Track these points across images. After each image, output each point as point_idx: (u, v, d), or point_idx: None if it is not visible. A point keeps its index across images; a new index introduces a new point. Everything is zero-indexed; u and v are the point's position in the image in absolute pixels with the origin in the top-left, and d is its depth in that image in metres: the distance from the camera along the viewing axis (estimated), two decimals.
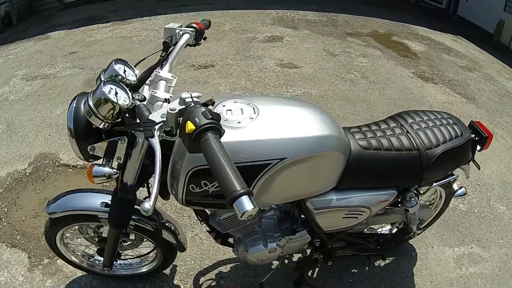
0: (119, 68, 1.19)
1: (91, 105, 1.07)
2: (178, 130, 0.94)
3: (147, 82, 1.29)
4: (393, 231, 2.11)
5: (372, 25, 5.91)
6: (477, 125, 1.69)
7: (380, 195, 1.47)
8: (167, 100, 1.10)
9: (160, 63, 1.32)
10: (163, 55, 1.35)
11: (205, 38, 1.56)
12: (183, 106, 0.93)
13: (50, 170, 2.44)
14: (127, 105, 1.09)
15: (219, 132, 0.85)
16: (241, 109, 1.26)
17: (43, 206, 2.26)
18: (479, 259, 2.45)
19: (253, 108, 1.25)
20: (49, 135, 2.79)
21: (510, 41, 8.10)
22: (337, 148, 1.30)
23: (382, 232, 2.11)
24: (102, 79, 1.15)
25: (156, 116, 0.96)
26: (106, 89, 1.07)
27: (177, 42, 1.39)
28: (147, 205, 0.81)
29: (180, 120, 0.92)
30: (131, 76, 1.22)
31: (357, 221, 1.53)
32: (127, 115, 1.14)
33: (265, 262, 1.53)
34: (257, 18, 4.78)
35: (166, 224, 1.57)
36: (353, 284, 2.04)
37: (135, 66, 1.28)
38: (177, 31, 1.42)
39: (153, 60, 1.32)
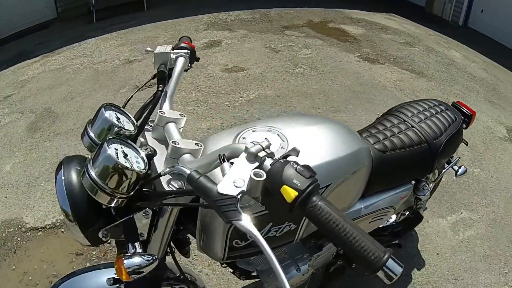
0: (110, 115, 1.00)
1: (95, 178, 0.86)
2: (261, 199, 0.77)
3: (147, 127, 1.12)
4: (400, 219, 2.22)
5: (306, 15, 6.13)
6: (459, 105, 1.90)
7: (400, 192, 1.58)
8: (222, 158, 0.84)
9: (158, 99, 1.14)
10: (160, 88, 1.16)
11: (198, 59, 1.40)
12: (256, 164, 0.77)
13: (19, 239, 2.22)
14: (144, 169, 0.91)
15: (318, 189, 0.73)
16: (266, 138, 1.18)
17: (24, 283, 2.05)
18: (471, 222, 2.70)
19: (278, 134, 1.15)
20: (5, 197, 2.57)
21: (443, 11, 8.92)
22: (368, 160, 1.34)
23: (392, 223, 2.18)
24: (91, 134, 0.98)
25: (227, 187, 0.74)
26: (111, 151, 0.87)
27: (172, 69, 1.23)
28: None
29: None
30: (128, 124, 1.03)
31: (382, 222, 1.62)
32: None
33: (299, 286, 1.48)
34: (190, 25, 4.76)
35: (196, 282, 1.42)
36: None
37: (123, 107, 1.09)
38: (171, 55, 1.26)
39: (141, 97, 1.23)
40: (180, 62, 1.26)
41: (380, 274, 0.68)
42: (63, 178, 0.94)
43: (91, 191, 0.86)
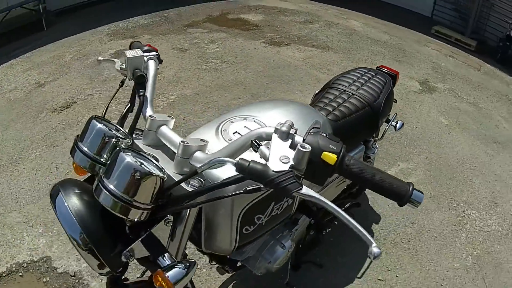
0: (104, 127, 1.00)
1: (116, 192, 0.85)
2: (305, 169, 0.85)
3: (134, 135, 1.15)
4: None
5: (204, 10, 6.40)
6: (384, 69, 2.24)
7: (355, 154, 1.92)
8: (256, 143, 0.91)
9: (142, 105, 1.17)
10: (141, 93, 1.18)
11: (161, 61, 1.41)
12: (289, 140, 0.87)
13: None
14: (164, 175, 0.92)
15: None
16: (245, 126, 1.27)
17: None
18: (410, 171, 3.24)
19: (254, 121, 1.30)
20: None
21: None
22: (330, 130, 1.59)
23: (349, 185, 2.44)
24: (85, 149, 0.96)
25: (278, 165, 0.82)
26: (130, 159, 0.86)
27: (146, 74, 1.25)
28: None
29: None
30: (121, 134, 1.04)
31: (345, 183, 1.94)
32: None
33: (284, 262, 1.66)
34: (93, 38, 4.73)
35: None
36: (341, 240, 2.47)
37: (104, 116, 1.09)
38: (145, 58, 1.27)
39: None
40: (152, 64, 1.29)
41: (411, 204, 0.86)
42: (66, 204, 0.91)
43: (113, 208, 0.86)
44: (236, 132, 1.24)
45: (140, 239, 0.94)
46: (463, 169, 3.51)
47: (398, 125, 2.33)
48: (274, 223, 1.41)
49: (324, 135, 0.85)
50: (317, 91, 2.10)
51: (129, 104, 1.23)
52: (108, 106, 1.24)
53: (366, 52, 5.81)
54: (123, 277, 1.16)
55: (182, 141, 0.98)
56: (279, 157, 0.83)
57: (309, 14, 7.18)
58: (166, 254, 0.95)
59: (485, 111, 4.95)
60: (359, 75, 2.08)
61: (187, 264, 0.94)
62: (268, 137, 0.91)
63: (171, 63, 4.33)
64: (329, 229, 2.10)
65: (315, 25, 6.59)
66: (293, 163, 0.82)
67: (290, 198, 1.38)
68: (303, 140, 0.85)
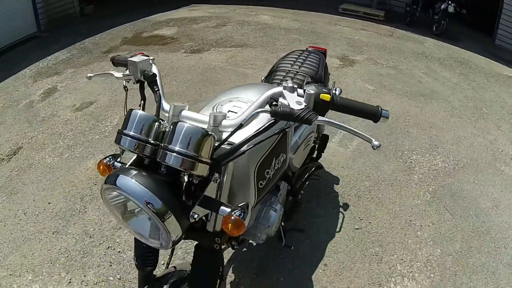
0: (144, 114, 1.13)
1: (187, 152, 1.00)
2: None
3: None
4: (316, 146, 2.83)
5: (118, 34, 6.42)
6: (313, 48, 2.62)
7: None
8: (274, 99, 1.17)
9: (159, 97, 1.35)
10: (156, 89, 1.37)
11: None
12: (295, 92, 1.14)
13: None
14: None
15: None
16: (234, 106, 1.45)
17: None
18: (351, 135, 3.61)
19: (239, 100, 1.52)
20: None
21: None
22: None
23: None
24: (132, 133, 1.09)
25: (297, 106, 1.07)
26: (190, 125, 1.03)
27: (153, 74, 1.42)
28: None
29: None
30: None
31: (310, 145, 2.26)
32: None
33: (278, 225, 1.86)
34: (17, 83, 4.52)
35: None
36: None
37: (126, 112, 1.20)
38: (150, 61, 1.45)
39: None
40: (155, 66, 1.47)
41: (383, 119, 1.17)
42: (134, 181, 1.02)
43: (183, 165, 1.00)
44: (230, 111, 1.47)
45: (199, 200, 1.09)
46: (398, 124, 4.01)
47: (337, 92, 2.74)
48: (275, 177, 1.67)
49: (317, 84, 1.19)
50: (263, 77, 2.43)
51: (142, 101, 1.42)
52: (125, 110, 1.34)
53: (283, 42, 6.26)
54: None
55: (211, 113, 1.17)
56: (294, 102, 1.09)
57: (219, 17, 7.52)
58: (222, 205, 1.10)
59: (406, 71, 5.57)
60: (296, 56, 2.44)
61: (244, 206, 1.08)
62: (277, 95, 1.17)
63: (103, 89, 4.41)
64: (302, 192, 2.39)
65: (228, 27, 6.93)
66: (305, 103, 1.10)
67: (284, 154, 1.69)
68: (304, 90, 1.14)
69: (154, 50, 5.64)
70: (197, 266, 1.34)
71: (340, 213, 2.77)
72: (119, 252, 2.38)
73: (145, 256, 1.34)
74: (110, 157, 1.25)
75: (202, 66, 5.15)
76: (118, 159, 1.25)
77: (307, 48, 2.68)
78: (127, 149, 1.11)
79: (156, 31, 6.59)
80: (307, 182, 2.49)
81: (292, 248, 2.21)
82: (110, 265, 2.30)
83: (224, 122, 1.17)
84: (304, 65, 2.34)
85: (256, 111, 1.12)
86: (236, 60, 5.39)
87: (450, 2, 7.88)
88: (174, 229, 1.05)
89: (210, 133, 1.06)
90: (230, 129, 1.13)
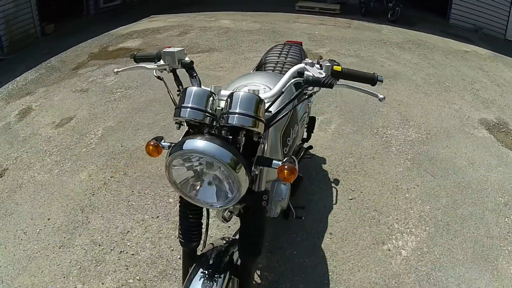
0: (199, 89, 1.28)
1: (248, 113, 1.19)
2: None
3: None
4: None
5: (83, 50, 6.32)
6: (290, 42, 2.88)
7: (304, 102, 2.35)
8: (299, 72, 1.40)
9: (199, 81, 1.56)
10: (194, 74, 1.57)
11: None
12: (314, 66, 1.39)
13: None
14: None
15: None
16: (248, 90, 1.56)
17: None
18: (329, 119, 3.83)
19: (254, 85, 1.76)
20: None
21: None
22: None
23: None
24: (191, 105, 1.23)
25: (320, 75, 1.33)
26: (246, 92, 1.24)
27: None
28: None
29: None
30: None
31: (305, 124, 2.58)
32: None
33: (289, 197, 1.99)
34: None
35: None
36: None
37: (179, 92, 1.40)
38: (184, 51, 1.62)
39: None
40: (186, 55, 1.64)
41: (379, 83, 1.42)
42: (204, 141, 1.18)
43: (246, 123, 1.19)
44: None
45: (256, 157, 1.29)
46: (368, 105, 4.25)
47: None
48: (293, 146, 1.93)
49: (328, 59, 1.44)
50: (253, 70, 2.68)
51: (180, 87, 1.54)
52: (170, 94, 1.56)
53: (247, 43, 6.43)
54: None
55: (249, 89, 1.34)
56: (317, 73, 1.35)
57: (181, 26, 7.60)
58: (273, 160, 1.29)
59: (368, 58, 5.86)
60: (280, 50, 2.67)
61: (291, 159, 1.27)
62: (302, 69, 1.39)
63: (80, 104, 4.42)
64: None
65: (192, 34, 7.03)
66: (325, 73, 1.36)
67: (299, 127, 1.98)
68: (320, 64, 1.40)
69: (124, 62, 5.67)
70: (246, 226, 1.48)
71: (333, 187, 2.96)
72: (132, 254, 2.43)
73: (190, 231, 1.48)
74: (154, 139, 1.37)
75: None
76: (162, 141, 1.37)
77: (285, 43, 2.89)
78: (188, 119, 1.25)
79: (121, 44, 6.60)
80: (300, 162, 2.65)
81: (303, 218, 2.34)
82: (127, 269, 2.34)
83: (265, 94, 1.35)
84: (289, 56, 2.57)
85: (291, 81, 1.37)
86: (206, 64, 5.51)
87: None
88: (244, 182, 1.21)
89: (263, 98, 1.25)
90: (269, 99, 1.35)
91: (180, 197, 1.41)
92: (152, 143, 1.36)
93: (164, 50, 1.60)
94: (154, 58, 1.64)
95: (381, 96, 1.36)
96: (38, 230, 2.70)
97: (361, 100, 4.30)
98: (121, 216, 2.74)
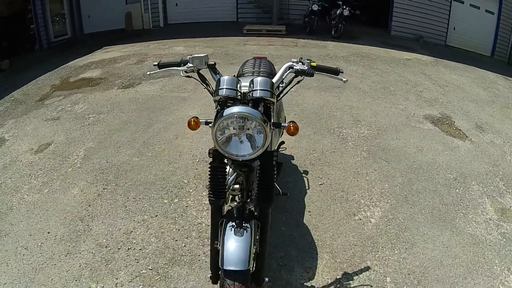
0: (229, 76, 1.85)
1: (267, 89, 1.78)
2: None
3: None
4: None
5: (44, 82, 6.46)
6: (258, 57, 3.31)
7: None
8: (291, 68, 2.00)
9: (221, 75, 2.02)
10: (217, 72, 2.08)
11: None
12: (299, 63, 2.00)
13: None
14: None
15: None
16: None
17: None
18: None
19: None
20: None
21: (143, 25, 10.86)
22: None
23: None
24: (227, 87, 1.81)
25: (303, 68, 1.94)
26: (261, 77, 1.88)
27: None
28: None
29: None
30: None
31: (283, 118, 3.06)
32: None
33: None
34: None
35: None
36: None
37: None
38: (208, 56, 2.13)
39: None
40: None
41: (340, 74, 1.98)
42: (242, 107, 1.75)
43: (268, 95, 1.78)
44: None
45: (272, 120, 1.86)
46: (323, 111, 4.82)
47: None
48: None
49: (306, 58, 2.01)
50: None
51: (205, 83, 2.06)
52: (204, 84, 2.08)
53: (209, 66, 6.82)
54: None
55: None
56: (303, 67, 1.95)
57: (136, 55, 7.93)
58: (281, 124, 1.89)
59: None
60: (252, 63, 3.13)
61: (293, 121, 1.87)
62: (291, 65, 1.99)
63: (55, 131, 4.58)
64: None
65: (149, 61, 7.36)
66: (307, 67, 1.95)
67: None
68: (303, 62, 2.00)
69: (88, 91, 5.89)
70: (261, 180, 1.89)
71: (304, 177, 3.44)
72: (140, 249, 2.69)
73: (218, 190, 1.89)
74: (195, 117, 1.90)
75: (141, 97, 5.54)
76: (200, 119, 1.90)
77: (254, 58, 3.36)
78: (225, 96, 1.80)
79: (81, 75, 6.80)
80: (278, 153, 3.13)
81: (288, 194, 2.78)
82: (137, 262, 2.59)
83: (273, 80, 1.96)
84: (262, 68, 3.03)
85: (287, 72, 2.02)
86: (169, 88, 5.86)
87: (344, 6, 9.19)
88: (268, 133, 1.74)
89: (273, 81, 1.87)
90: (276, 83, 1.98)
91: (211, 162, 1.88)
92: (193, 119, 1.87)
93: (192, 56, 2.08)
94: (179, 64, 2.11)
95: (345, 79, 1.98)
96: (39, 244, 2.80)
97: (316, 107, 4.86)
98: (121, 219, 3.00)
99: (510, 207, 3.25)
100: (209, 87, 2.05)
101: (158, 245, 2.73)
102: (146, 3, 10.70)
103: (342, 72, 1.98)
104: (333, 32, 9.33)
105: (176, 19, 11.22)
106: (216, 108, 1.87)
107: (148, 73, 2.21)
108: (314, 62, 1.96)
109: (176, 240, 2.77)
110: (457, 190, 3.35)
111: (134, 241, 2.78)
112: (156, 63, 2.17)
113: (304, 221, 2.88)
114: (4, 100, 5.83)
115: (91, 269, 2.54)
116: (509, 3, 10.06)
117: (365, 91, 5.61)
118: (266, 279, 1.99)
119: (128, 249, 2.72)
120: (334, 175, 3.47)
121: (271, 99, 1.81)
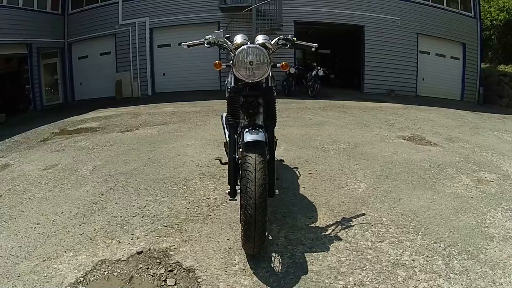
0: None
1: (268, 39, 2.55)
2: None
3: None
4: None
5: (43, 131, 6.83)
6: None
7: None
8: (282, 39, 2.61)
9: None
10: (234, 46, 2.51)
11: None
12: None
13: None
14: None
15: None
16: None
17: None
18: (287, 150, 4.78)
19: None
20: None
21: (132, 93, 11.67)
22: None
23: None
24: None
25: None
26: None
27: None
28: None
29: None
30: None
31: None
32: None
33: None
34: None
35: None
36: None
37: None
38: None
39: None
40: None
41: (313, 48, 2.65)
42: (250, 46, 2.38)
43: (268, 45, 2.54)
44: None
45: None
46: (306, 137, 5.34)
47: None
48: None
49: (290, 36, 2.63)
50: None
51: (224, 49, 2.65)
52: (228, 48, 2.62)
53: (194, 118, 7.35)
54: None
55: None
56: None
57: (130, 113, 8.47)
58: (277, 63, 2.47)
59: (297, 116, 7.18)
60: None
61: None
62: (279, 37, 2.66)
63: (61, 157, 4.84)
64: None
65: (143, 117, 7.87)
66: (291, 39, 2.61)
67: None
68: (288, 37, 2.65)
69: (89, 135, 6.25)
70: (266, 107, 2.43)
71: (295, 170, 3.87)
72: (154, 216, 2.95)
73: (235, 112, 2.40)
74: (219, 60, 2.48)
75: (140, 136, 5.92)
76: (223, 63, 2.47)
77: None
78: (240, 42, 2.52)
79: (80, 126, 7.22)
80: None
81: (284, 161, 3.37)
82: (152, 223, 2.84)
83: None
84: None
85: (280, 43, 2.61)
86: (166, 131, 6.30)
87: (319, 68, 10.24)
88: (271, 64, 2.39)
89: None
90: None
91: (229, 93, 2.45)
92: (217, 61, 2.42)
93: (214, 32, 2.64)
94: (203, 42, 2.61)
95: (315, 45, 2.56)
96: (52, 220, 2.97)
97: (299, 136, 5.39)
98: (134, 200, 3.26)
99: (485, 177, 3.79)
100: (228, 49, 2.61)
101: (171, 212, 3.00)
102: (136, 72, 11.62)
103: (316, 47, 2.57)
104: (309, 92, 10.27)
105: (163, 88, 12.14)
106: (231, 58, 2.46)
107: (183, 44, 2.70)
108: (295, 37, 2.58)
109: (188, 208, 3.05)
110: (432, 171, 3.91)
111: (147, 212, 3.03)
112: (185, 44, 2.68)
113: (300, 192, 3.27)
114: (4, 142, 6.11)
115: (106, 231, 2.76)
116: (473, 46, 11.21)
117: (341, 125, 6.25)
118: (277, 191, 2.36)
119: (143, 216, 2.96)
120: (321, 169, 3.91)
121: (269, 46, 2.48)
